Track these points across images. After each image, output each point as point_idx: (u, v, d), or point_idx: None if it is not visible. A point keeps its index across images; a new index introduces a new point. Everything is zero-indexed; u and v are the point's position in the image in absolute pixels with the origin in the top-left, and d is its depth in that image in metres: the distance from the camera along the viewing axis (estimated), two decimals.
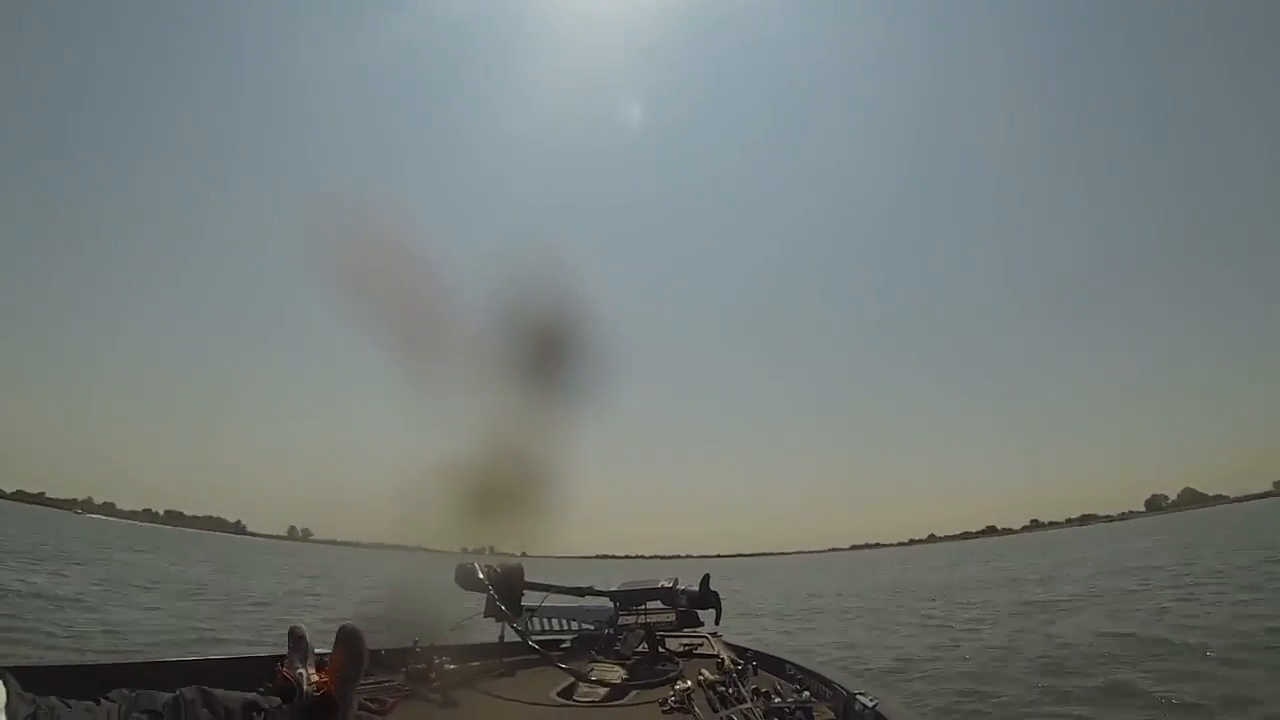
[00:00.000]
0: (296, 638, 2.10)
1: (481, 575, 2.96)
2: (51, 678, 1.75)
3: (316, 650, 2.12)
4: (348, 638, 2.00)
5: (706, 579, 3.64)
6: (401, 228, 2.72)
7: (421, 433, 2.76)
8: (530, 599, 3.29)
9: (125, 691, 1.71)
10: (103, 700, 1.66)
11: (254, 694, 1.89)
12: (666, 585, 3.53)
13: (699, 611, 3.59)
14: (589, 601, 3.56)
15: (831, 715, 2.12)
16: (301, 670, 1.99)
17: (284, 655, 2.09)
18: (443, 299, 2.66)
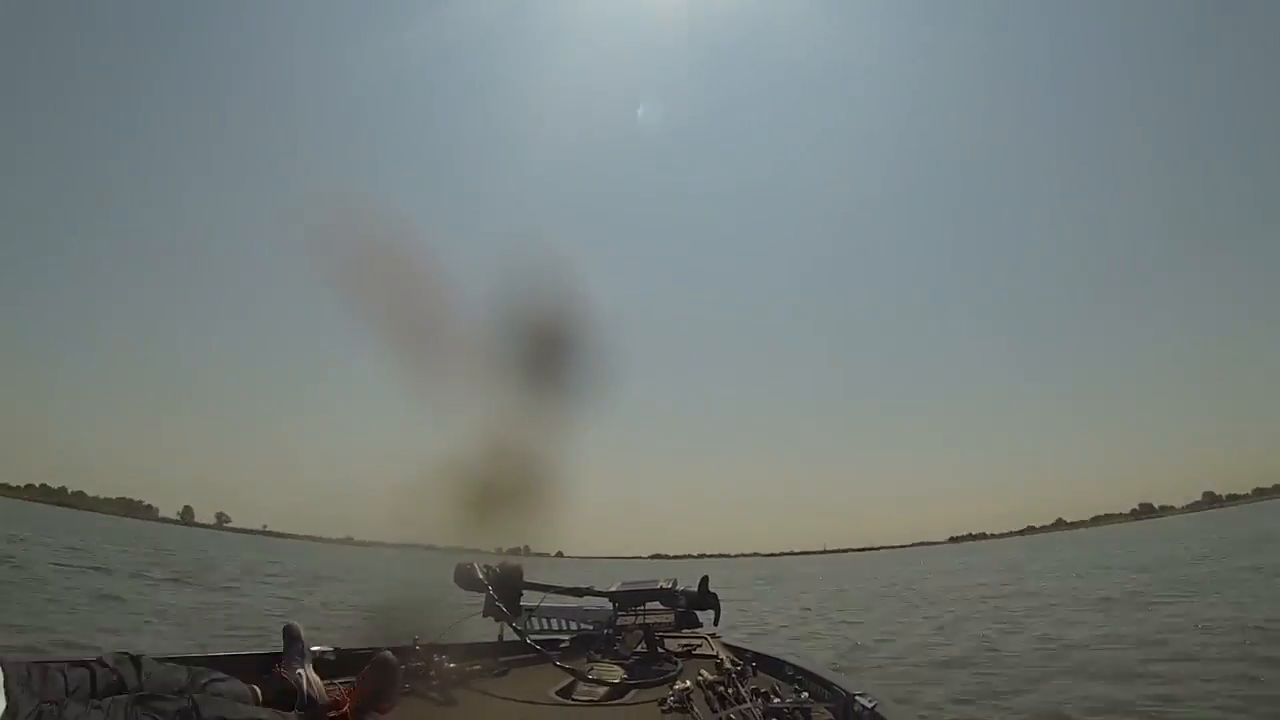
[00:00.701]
0: (291, 636, 2.09)
1: (481, 575, 2.97)
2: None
3: (314, 648, 2.11)
4: (382, 668, 1.95)
5: (705, 580, 3.65)
6: (401, 226, 2.74)
7: (421, 432, 2.77)
8: (530, 599, 3.30)
9: (128, 696, 1.65)
10: (106, 698, 1.63)
11: (269, 710, 1.83)
12: (665, 586, 3.54)
13: (698, 612, 3.60)
14: (588, 602, 3.57)
15: (830, 716, 2.13)
16: (300, 671, 1.98)
17: (279, 654, 2.08)
18: (446, 297, 2.66)
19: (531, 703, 2.34)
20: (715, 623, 3.57)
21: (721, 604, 3.63)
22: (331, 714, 1.86)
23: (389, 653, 2.00)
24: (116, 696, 1.58)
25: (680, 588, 3.58)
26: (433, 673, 2.45)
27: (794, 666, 2.67)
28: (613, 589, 3.58)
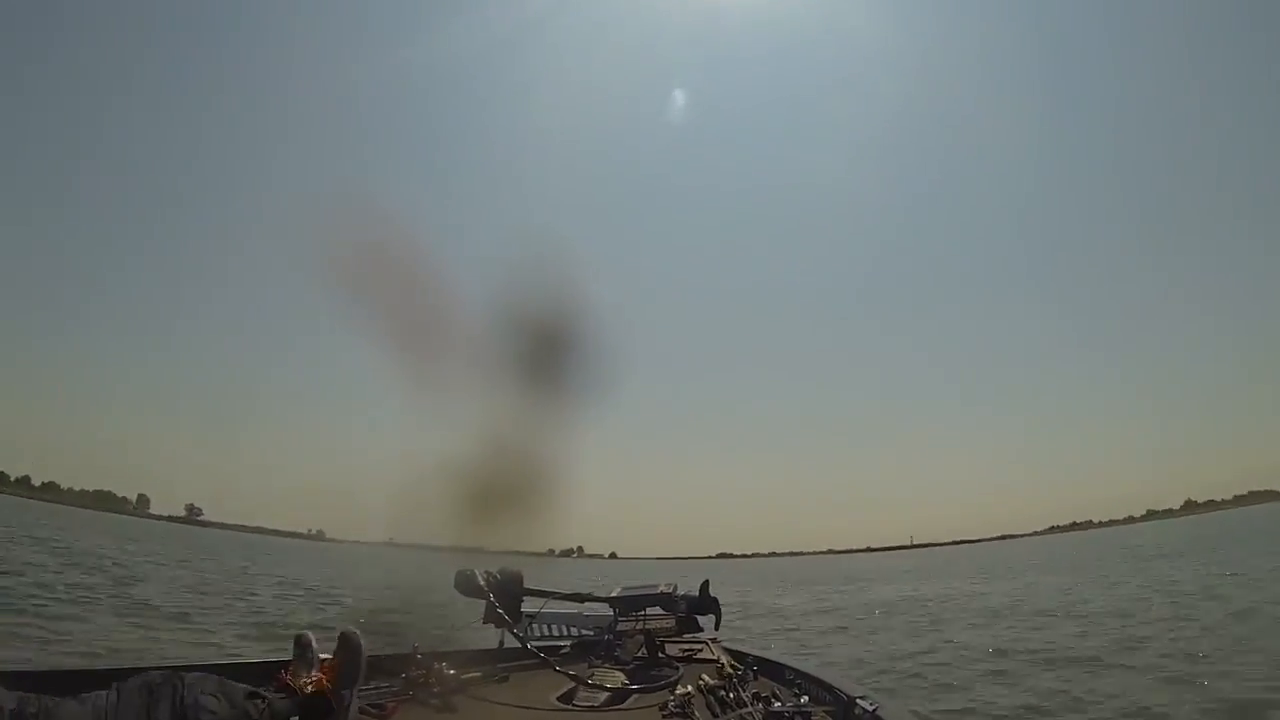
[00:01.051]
0: (303, 645, 2.09)
1: (481, 582, 2.97)
2: (43, 683, 1.74)
3: (321, 656, 2.12)
4: (346, 642, 2.00)
5: (706, 584, 3.64)
6: (403, 226, 2.73)
7: (423, 431, 2.77)
8: (530, 605, 3.30)
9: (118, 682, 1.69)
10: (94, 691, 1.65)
11: (249, 686, 1.88)
12: (666, 591, 3.53)
13: (699, 617, 3.59)
14: (588, 607, 3.57)
15: None
16: (306, 680, 1.98)
17: (288, 661, 2.09)
18: (448, 296, 2.67)
19: (532, 709, 2.34)
20: (716, 627, 3.57)
21: None
22: (310, 691, 1.89)
23: (353, 628, 2.03)
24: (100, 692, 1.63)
25: (681, 592, 3.58)
26: (433, 680, 2.44)
27: (794, 670, 2.67)
28: (613, 594, 3.58)
